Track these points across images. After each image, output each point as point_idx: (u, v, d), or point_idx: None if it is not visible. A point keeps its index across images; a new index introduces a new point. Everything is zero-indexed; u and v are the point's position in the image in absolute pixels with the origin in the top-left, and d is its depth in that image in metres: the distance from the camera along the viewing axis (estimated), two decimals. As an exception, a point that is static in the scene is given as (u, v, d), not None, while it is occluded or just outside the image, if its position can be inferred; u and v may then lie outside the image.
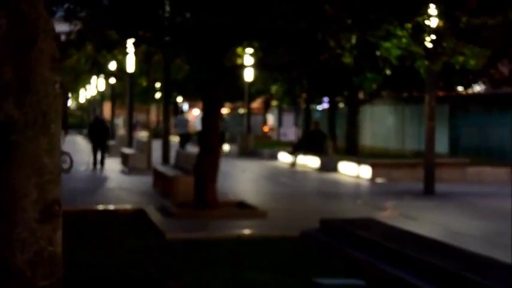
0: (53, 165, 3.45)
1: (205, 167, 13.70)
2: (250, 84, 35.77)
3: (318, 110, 42.23)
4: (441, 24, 17.08)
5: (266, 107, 55.71)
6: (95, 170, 25.32)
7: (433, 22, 17.06)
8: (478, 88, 36.34)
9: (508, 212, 15.12)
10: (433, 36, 17.83)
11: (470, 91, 33.32)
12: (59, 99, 3.47)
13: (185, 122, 35.18)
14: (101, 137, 26.45)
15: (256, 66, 25.91)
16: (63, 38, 14.93)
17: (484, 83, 35.21)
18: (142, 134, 45.03)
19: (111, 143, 34.17)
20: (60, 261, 3.57)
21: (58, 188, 3.51)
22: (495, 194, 17.89)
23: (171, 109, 35.94)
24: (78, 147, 41.31)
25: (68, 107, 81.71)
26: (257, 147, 36.06)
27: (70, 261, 3.72)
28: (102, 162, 26.07)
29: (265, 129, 56.10)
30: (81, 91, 64.66)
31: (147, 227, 11.90)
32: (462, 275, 7.02)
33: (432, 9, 16.29)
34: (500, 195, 17.94)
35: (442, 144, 26.53)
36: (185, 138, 33.51)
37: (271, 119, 59.91)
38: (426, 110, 19.24)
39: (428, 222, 13.13)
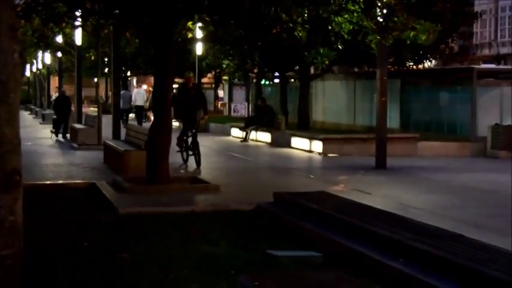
0: (12, 135, 3.48)
1: (158, 142, 13.69)
2: (201, 58, 35.68)
3: (268, 85, 42.23)
4: (392, -2, 17.26)
5: (217, 82, 55.62)
6: (57, 138, 28.38)
7: (384, -4, 17.23)
8: (429, 63, 36.77)
9: (456, 186, 15.46)
10: (385, 11, 18.01)
11: (421, 66, 33.69)
12: (18, 69, 3.49)
13: (128, 97, 35.66)
14: (64, 111, 29.16)
15: (207, 40, 25.87)
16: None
17: (434, 58, 35.64)
18: (91, 109, 44.79)
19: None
20: (21, 231, 3.61)
21: (18, 158, 3.53)
22: (445, 168, 18.21)
23: (133, 87, 35.96)
24: (25, 123, 40.87)
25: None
26: (208, 122, 36.04)
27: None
28: (64, 134, 28.53)
29: (217, 104, 55.96)
30: (27, 65, 63.67)
31: (99, 202, 11.86)
32: (413, 246, 7.19)
33: (384, -17, 16.43)
34: (450, 169, 18.29)
35: (393, 119, 26.84)
36: (127, 112, 34.68)
37: (222, 93, 59.81)
38: (377, 85, 19.45)
39: (380, 195, 13.31)
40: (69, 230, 9.07)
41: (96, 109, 30.21)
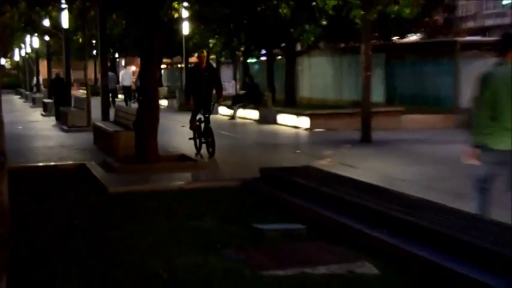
0: (-6, 117, 3.51)
1: (146, 121, 13.73)
2: (188, 38, 35.62)
3: (255, 63, 42.22)
4: (376, -27, 17.32)
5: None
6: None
7: (368, -29, 17.30)
8: (413, 37, 36.79)
9: (441, 158, 15.56)
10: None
11: (406, 40, 33.73)
12: (-2, 51, 3.52)
13: (113, 78, 36.17)
14: (60, 93, 29.23)
15: (193, 19, 25.82)
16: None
17: (419, 31, 35.68)
18: (80, 91, 44.70)
19: (48, 101, 34.08)
20: (7, 211, 3.64)
21: (2, 139, 3.55)
22: (429, 141, 18.31)
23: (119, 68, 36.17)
24: (15, 107, 40.78)
25: (3, 66, 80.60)
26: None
27: (14, 216, 3.78)
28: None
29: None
30: (16, 50, 63.39)
31: (90, 182, 11.90)
32: (398, 217, 7.28)
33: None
34: (434, 141, 18.40)
35: (378, 94, 26.86)
36: (113, 93, 34.95)
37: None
38: (362, 59, 19.51)
39: (366, 168, 13.40)
40: (59, 210, 9.13)
41: (85, 91, 30.15)
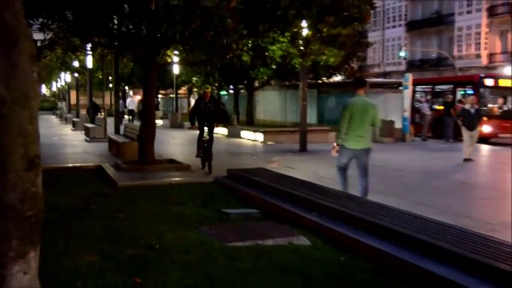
0: (33, 131, 3.49)
1: (146, 135, 13.70)
2: (177, 76, 35.78)
3: (225, 94, 42.34)
4: (310, 33, 17.46)
5: (189, 93, 55.63)
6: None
7: (304, 32, 17.41)
8: (337, 78, 37.02)
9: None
10: (304, 42, 18.22)
11: (331, 80, 33.95)
12: (37, 83, 3.50)
13: (122, 104, 36.99)
14: (95, 113, 28.85)
15: (181, 63, 25.76)
16: (39, 43, 14.56)
17: (340, 74, 35.93)
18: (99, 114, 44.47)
19: (76, 119, 33.82)
20: (41, 198, 3.61)
21: (37, 146, 3.54)
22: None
23: (120, 95, 36.34)
24: (52, 123, 40.44)
25: (44, 94, 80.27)
26: (183, 121, 36.00)
27: (46, 201, 3.74)
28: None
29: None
30: (54, 83, 63.07)
31: (104, 178, 11.79)
32: (323, 203, 7.31)
33: (303, 23, 16.56)
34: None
35: (312, 117, 27.05)
36: (121, 115, 35.01)
37: (193, 101, 59.76)
38: (300, 93, 19.60)
39: (303, 170, 13.42)
40: (82, 198, 9.03)
41: (103, 113, 29.95)
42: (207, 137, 13.48)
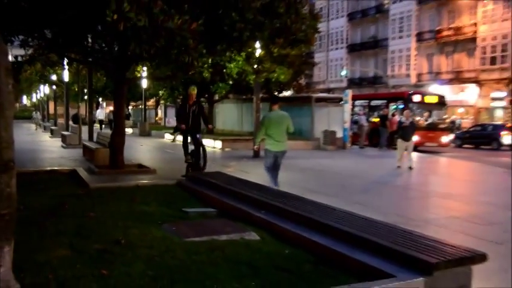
0: (8, 137, 3.41)
1: (116, 142, 13.51)
2: (146, 89, 35.38)
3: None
4: (262, 53, 17.57)
5: (157, 104, 55.10)
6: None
7: (257, 52, 17.52)
8: (287, 93, 37.26)
9: (303, 168, 15.76)
10: (258, 61, 18.33)
11: (282, 94, 34.18)
12: (11, 94, 3.43)
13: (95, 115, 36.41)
14: (77, 122, 27.70)
15: (149, 77, 25.56)
16: (20, 58, 14.26)
17: (290, 89, 36.19)
18: (72, 123, 43.75)
19: (53, 128, 33.13)
20: (15, 198, 3.54)
21: (12, 151, 3.47)
22: (296, 157, 18.53)
23: (94, 106, 35.71)
24: (30, 131, 39.51)
25: (25, 105, 78.63)
26: (151, 129, 35.67)
27: (23, 201, 3.67)
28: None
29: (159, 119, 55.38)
30: (34, 94, 61.71)
31: (78, 180, 11.56)
32: (272, 203, 7.33)
33: (257, 44, 16.64)
34: (299, 157, 18.64)
35: (265, 127, 27.04)
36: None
37: (160, 112, 59.23)
38: (254, 106, 19.67)
39: (255, 174, 13.43)
40: (56, 198, 8.82)
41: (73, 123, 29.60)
42: (192, 139, 12.36)
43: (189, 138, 12.78)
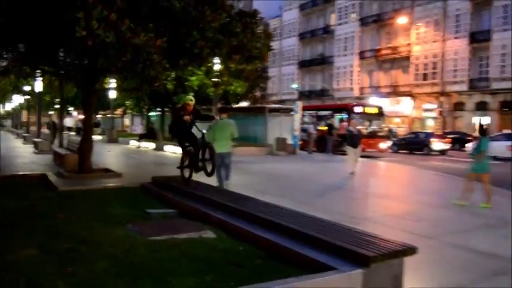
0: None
1: (84, 148, 13.20)
2: (114, 99, 34.72)
3: (154, 116, 41.55)
4: (221, 68, 17.59)
5: (124, 113, 54.27)
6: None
7: (216, 67, 17.52)
8: (244, 103, 37.30)
9: (257, 171, 15.76)
10: (217, 74, 18.33)
11: (239, 105, 34.19)
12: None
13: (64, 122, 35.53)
14: (55, 131, 26.71)
15: (116, 89, 25.16)
16: (-6, 70, 13.82)
17: (246, 101, 36.27)
18: (46, 130, 42.55)
19: (26, 135, 32.18)
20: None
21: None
22: (252, 162, 18.58)
23: (64, 115, 34.78)
24: (4, 137, 38.26)
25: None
26: (118, 137, 35.06)
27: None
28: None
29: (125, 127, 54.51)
30: (7, 104, 59.82)
31: (48, 184, 11.24)
32: (228, 204, 7.31)
33: (216, 60, 16.65)
34: (254, 162, 18.67)
35: (223, 135, 26.95)
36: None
37: (127, 120, 58.34)
38: (214, 114, 19.59)
39: (213, 177, 13.32)
40: (27, 201, 8.56)
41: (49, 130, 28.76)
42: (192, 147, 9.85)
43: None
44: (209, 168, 9.72)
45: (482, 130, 10.56)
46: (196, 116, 10.01)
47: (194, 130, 10.03)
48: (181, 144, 10.14)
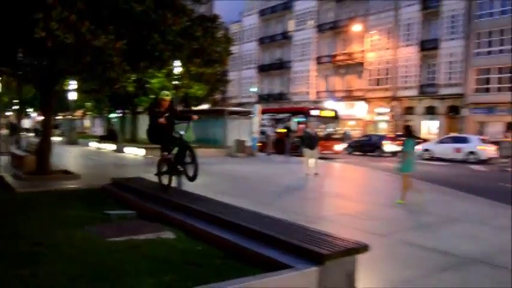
0: None
1: (43, 149, 12.85)
2: (74, 101, 33.89)
3: (114, 117, 40.81)
4: (181, 71, 17.46)
5: (84, 115, 53.06)
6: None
7: (177, 70, 17.39)
8: (204, 106, 37.20)
9: (216, 172, 15.69)
10: (177, 77, 18.19)
11: (199, 107, 34.06)
12: None
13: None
14: (14, 132, 25.63)
15: (77, 90, 24.58)
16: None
17: (206, 103, 36.15)
18: (4, 131, 41.09)
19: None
20: None
21: None
22: (211, 163, 18.50)
23: (23, 116, 33.76)
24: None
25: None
26: (78, 138, 34.25)
27: None
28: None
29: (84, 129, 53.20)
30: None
31: (5, 186, 10.87)
32: (186, 205, 7.26)
33: (176, 63, 16.51)
34: (214, 163, 18.59)
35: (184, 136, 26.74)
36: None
37: (87, 122, 57.05)
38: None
39: (174, 179, 13.24)
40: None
41: (7, 131, 27.80)
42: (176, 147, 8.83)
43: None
44: (191, 172, 8.37)
45: (408, 131, 10.96)
46: (173, 115, 8.62)
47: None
48: (166, 150, 8.86)
